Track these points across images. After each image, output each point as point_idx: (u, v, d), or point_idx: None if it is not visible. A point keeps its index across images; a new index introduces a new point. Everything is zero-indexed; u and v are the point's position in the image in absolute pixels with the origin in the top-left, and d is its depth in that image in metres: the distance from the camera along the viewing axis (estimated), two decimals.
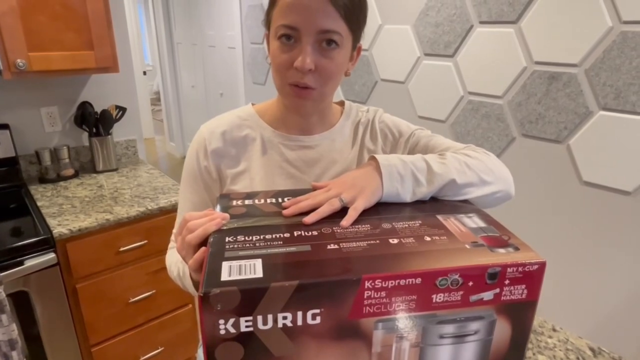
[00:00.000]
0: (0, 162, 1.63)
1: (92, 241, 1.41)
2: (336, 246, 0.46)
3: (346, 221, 0.52)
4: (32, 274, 1.29)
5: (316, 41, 0.62)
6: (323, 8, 0.60)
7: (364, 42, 0.94)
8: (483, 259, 0.44)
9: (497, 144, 1.63)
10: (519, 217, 1.61)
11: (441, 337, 0.44)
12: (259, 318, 0.40)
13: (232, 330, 0.40)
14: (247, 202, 0.58)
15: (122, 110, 1.90)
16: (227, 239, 0.48)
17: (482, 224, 0.52)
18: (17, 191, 1.64)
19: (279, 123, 0.76)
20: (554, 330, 0.85)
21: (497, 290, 0.44)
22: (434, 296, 0.42)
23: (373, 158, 0.62)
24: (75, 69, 1.55)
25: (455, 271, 0.42)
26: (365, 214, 0.55)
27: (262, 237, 0.48)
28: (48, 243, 1.31)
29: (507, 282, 0.43)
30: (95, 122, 1.83)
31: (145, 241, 1.53)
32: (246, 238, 0.48)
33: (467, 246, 0.46)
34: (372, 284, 0.41)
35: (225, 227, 0.51)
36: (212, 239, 0.48)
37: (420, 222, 0.52)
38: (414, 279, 0.41)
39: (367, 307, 0.42)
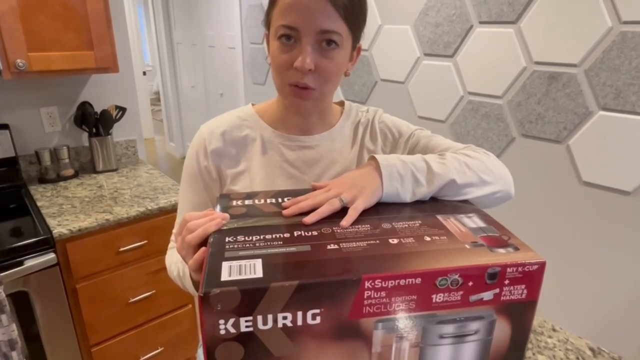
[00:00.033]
0: (0, 162, 1.63)
1: (92, 241, 1.41)
2: (336, 246, 0.46)
3: (346, 221, 0.52)
4: (32, 274, 1.29)
5: (316, 41, 0.62)
6: (323, 8, 0.60)
7: (364, 42, 0.95)
8: (483, 259, 0.44)
9: (496, 144, 1.63)
10: (518, 217, 1.61)
11: (441, 337, 0.44)
12: (259, 318, 0.40)
13: (232, 330, 0.40)
14: (247, 202, 0.58)
15: (122, 110, 1.90)
16: (227, 239, 0.48)
17: (482, 224, 0.52)
18: (17, 191, 1.64)
19: (278, 123, 0.76)
20: (554, 330, 0.85)
21: (497, 290, 0.44)
22: (433, 296, 0.42)
23: (373, 158, 0.62)
24: (75, 69, 1.55)
25: (455, 271, 0.42)
26: (365, 214, 0.55)
27: (262, 237, 0.48)
28: (48, 243, 1.31)
29: (506, 282, 0.43)
30: (95, 122, 1.83)
31: (145, 241, 1.53)
32: (246, 238, 0.48)
33: (467, 246, 0.46)
34: (372, 284, 0.41)
35: (225, 227, 0.51)
36: (212, 239, 0.48)
37: (420, 222, 0.52)
38: (413, 279, 0.42)
39: (367, 307, 0.42)
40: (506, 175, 0.68)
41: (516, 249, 0.46)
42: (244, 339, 0.40)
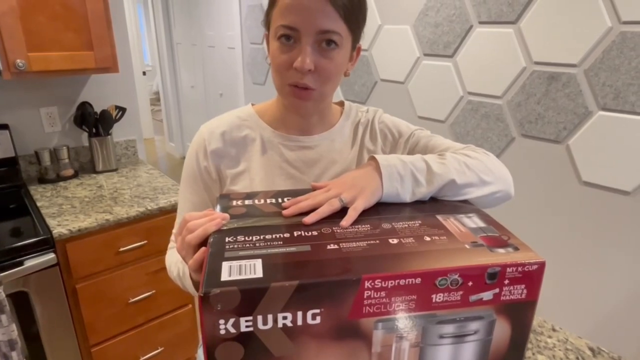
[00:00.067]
0: (0, 162, 1.63)
1: (91, 241, 1.41)
2: (336, 246, 0.46)
3: (346, 221, 0.52)
4: (32, 274, 1.29)
5: (316, 41, 0.62)
6: (322, 8, 0.60)
7: (364, 43, 0.95)
8: (483, 259, 0.44)
9: (496, 144, 1.63)
10: (518, 217, 1.61)
11: (441, 337, 0.44)
12: (259, 318, 0.40)
13: (232, 330, 0.40)
14: (247, 202, 0.58)
15: (121, 110, 1.90)
16: (227, 239, 0.48)
17: (481, 224, 0.52)
18: (17, 191, 1.64)
19: (278, 123, 0.76)
20: (554, 330, 0.85)
21: (497, 290, 0.44)
22: (433, 296, 0.43)
23: (373, 158, 0.62)
24: (75, 69, 1.55)
25: (455, 271, 0.42)
26: (365, 214, 0.55)
27: (262, 237, 0.48)
28: (48, 243, 1.31)
29: (506, 282, 0.44)
30: (94, 122, 1.83)
31: (145, 241, 1.53)
32: (246, 238, 0.48)
33: (467, 246, 0.46)
34: (372, 284, 0.41)
35: (225, 227, 0.51)
36: (212, 239, 0.48)
37: (420, 222, 0.53)
38: (413, 279, 0.42)
39: (367, 307, 0.42)
40: (506, 175, 0.68)
41: (516, 249, 0.46)
42: (244, 339, 0.40)
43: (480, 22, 1.57)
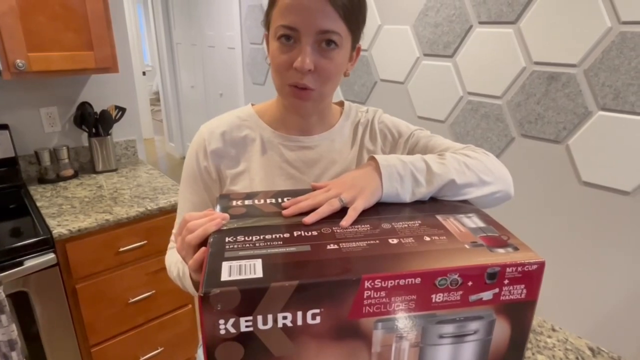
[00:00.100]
0: (0, 162, 1.63)
1: (91, 241, 1.41)
2: (336, 246, 0.46)
3: (346, 221, 0.52)
4: (32, 274, 1.29)
5: (315, 42, 0.62)
6: (322, 8, 0.60)
7: (364, 43, 0.95)
8: (482, 259, 0.44)
9: (496, 144, 1.63)
10: (518, 217, 1.61)
11: (441, 337, 0.45)
12: (259, 318, 0.40)
13: (232, 330, 0.40)
14: (247, 202, 0.58)
15: (121, 110, 1.90)
16: (227, 239, 0.48)
17: (481, 224, 0.52)
18: (17, 191, 1.64)
19: (278, 123, 0.76)
20: (553, 330, 0.85)
21: (497, 290, 0.44)
22: (433, 296, 0.43)
23: (372, 158, 0.62)
24: (75, 70, 1.55)
25: (455, 271, 0.42)
26: (365, 214, 0.55)
27: (262, 237, 0.48)
28: (47, 243, 1.31)
29: (506, 282, 0.44)
30: (94, 122, 1.83)
31: (145, 241, 1.53)
32: (246, 238, 0.48)
33: (467, 246, 0.46)
34: (372, 284, 0.41)
35: (225, 228, 0.51)
36: (212, 239, 0.48)
37: (419, 222, 0.53)
38: (413, 279, 0.42)
39: (367, 307, 0.42)
40: (505, 176, 0.68)
41: (515, 248, 0.46)
42: (244, 339, 0.40)
43: (480, 22, 1.57)
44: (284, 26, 0.61)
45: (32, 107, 1.76)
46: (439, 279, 0.42)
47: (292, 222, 0.52)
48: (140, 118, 2.28)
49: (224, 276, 0.40)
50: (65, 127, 1.86)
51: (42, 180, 1.73)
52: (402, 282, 0.41)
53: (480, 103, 1.64)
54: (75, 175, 1.80)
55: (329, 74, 0.64)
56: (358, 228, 0.51)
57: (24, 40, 1.41)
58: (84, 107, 1.81)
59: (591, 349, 0.80)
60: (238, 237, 0.48)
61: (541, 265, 0.44)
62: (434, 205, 0.59)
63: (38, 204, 1.52)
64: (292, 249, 0.46)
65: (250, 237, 0.48)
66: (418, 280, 0.42)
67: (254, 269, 0.41)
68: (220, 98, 3.78)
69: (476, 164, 0.64)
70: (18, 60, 1.40)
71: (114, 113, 1.88)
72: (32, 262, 1.28)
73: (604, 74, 1.30)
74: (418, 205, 0.59)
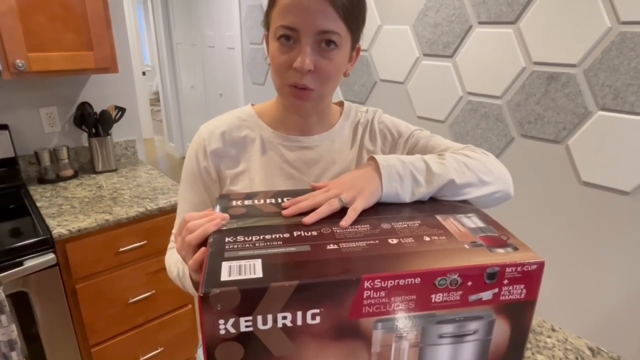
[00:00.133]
0: (0, 162, 1.63)
1: (91, 242, 1.41)
2: (335, 246, 0.46)
3: (345, 221, 0.52)
4: (32, 274, 1.29)
5: (315, 42, 0.62)
6: (322, 9, 0.60)
7: (363, 43, 0.95)
8: (482, 259, 0.44)
9: (496, 144, 1.63)
10: (518, 217, 1.61)
11: (440, 336, 0.45)
12: (259, 318, 0.40)
13: (232, 330, 0.40)
14: (246, 202, 0.58)
15: (121, 110, 1.90)
16: (226, 239, 0.48)
17: (481, 224, 0.52)
18: (17, 192, 1.64)
19: (278, 124, 0.76)
20: (553, 330, 0.85)
21: (496, 290, 0.44)
22: (433, 296, 0.43)
23: (372, 158, 0.62)
24: (75, 70, 1.55)
25: (454, 271, 0.42)
26: (365, 214, 0.55)
27: (261, 237, 0.48)
28: (47, 243, 1.31)
29: (506, 282, 0.44)
30: (94, 122, 1.83)
31: (145, 241, 1.53)
32: (246, 238, 0.48)
33: (466, 246, 0.46)
34: (372, 284, 0.41)
35: (225, 228, 0.51)
36: (211, 239, 0.48)
37: (419, 222, 0.53)
38: (413, 279, 0.42)
39: (367, 307, 0.42)
40: (505, 176, 0.68)
41: (515, 249, 0.46)
42: (243, 339, 0.40)
43: (480, 22, 1.57)
44: (284, 26, 0.61)
45: (32, 107, 1.76)
46: (439, 279, 0.42)
47: (292, 222, 0.52)
48: (140, 118, 2.28)
49: (224, 276, 0.40)
50: (65, 127, 1.86)
51: (42, 180, 1.73)
52: (401, 282, 0.41)
53: (480, 103, 1.64)
54: (75, 176, 1.80)
55: (328, 74, 0.64)
56: (358, 228, 0.51)
57: (24, 40, 1.41)
58: (84, 107, 1.81)
59: (591, 349, 0.80)
60: (238, 237, 0.48)
61: (541, 265, 0.44)
62: (434, 205, 0.59)
63: (38, 204, 1.52)
64: (292, 249, 0.46)
65: (250, 237, 0.48)
66: (418, 280, 0.42)
67: (253, 269, 0.41)
68: (220, 98, 3.78)
69: (476, 164, 0.64)
70: (18, 61, 1.40)
71: (113, 113, 1.88)
72: (32, 262, 1.28)
73: (603, 74, 1.30)
74: (418, 205, 0.59)
